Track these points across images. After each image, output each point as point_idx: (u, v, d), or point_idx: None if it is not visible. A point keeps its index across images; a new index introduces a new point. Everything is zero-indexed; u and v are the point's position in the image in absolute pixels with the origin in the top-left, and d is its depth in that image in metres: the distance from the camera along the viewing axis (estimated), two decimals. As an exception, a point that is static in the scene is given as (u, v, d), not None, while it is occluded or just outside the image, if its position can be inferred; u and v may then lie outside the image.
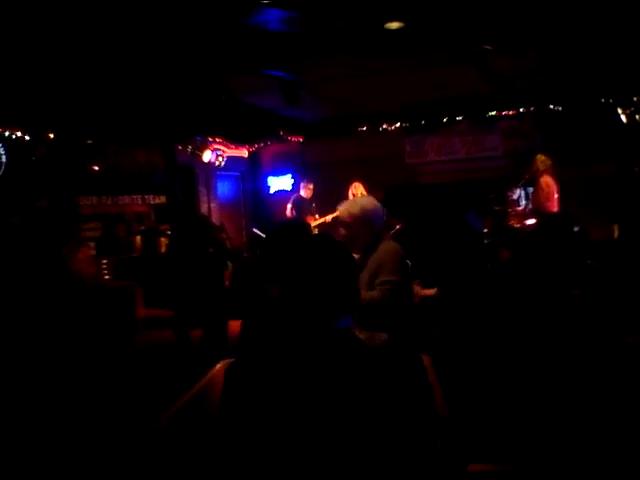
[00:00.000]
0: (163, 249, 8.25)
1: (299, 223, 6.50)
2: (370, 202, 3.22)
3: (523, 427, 2.29)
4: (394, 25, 5.30)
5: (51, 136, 7.25)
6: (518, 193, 7.61)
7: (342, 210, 3.20)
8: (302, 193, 9.38)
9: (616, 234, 7.43)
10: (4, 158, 7.03)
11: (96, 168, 8.18)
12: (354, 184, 9.06)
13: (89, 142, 7.89)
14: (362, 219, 3.10)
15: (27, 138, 7.04)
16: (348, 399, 1.45)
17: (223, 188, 10.82)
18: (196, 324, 5.46)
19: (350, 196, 8.93)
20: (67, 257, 3.92)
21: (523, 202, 7.58)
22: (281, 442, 1.45)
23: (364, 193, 8.89)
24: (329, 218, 9.33)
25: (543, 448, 2.20)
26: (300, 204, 9.22)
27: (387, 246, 3.08)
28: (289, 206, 9.26)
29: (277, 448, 1.45)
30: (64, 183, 7.68)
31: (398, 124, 9.78)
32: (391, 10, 5.02)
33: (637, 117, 7.73)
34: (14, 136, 6.93)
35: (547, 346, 2.56)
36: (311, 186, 9.37)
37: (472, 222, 3.79)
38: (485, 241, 5.28)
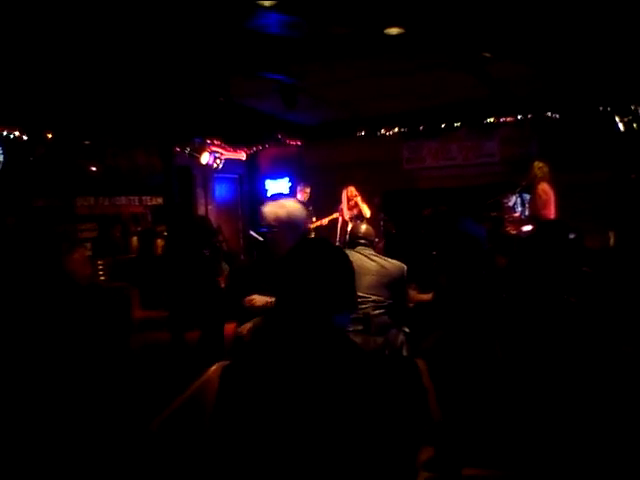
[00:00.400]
0: (159, 250, 8.25)
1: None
2: (297, 207, 3.15)
3: (517, 432, 2.29)
4: (394, 31, 5.32)
5: (49, 136, 7.25)
6: (514, 200, 7.62)
7: (268, 212, 3.10)
8: (299, 197, 9.40)
9: (612, 241, 7.45)
10: (2, 157, 7.02)
11: (93, 169, 8.18)
12: (348, 188, 8.89)
13: (87, 143, 7.89)
14: (288, 223, 3.03)
15: (25, 138, 7.04)
16: (343, 402, 1.46)
17: (221, 190, 10.83)
18: (192, 325, 5.46)
19: (344, 201, 8.89)
20: (62, 258, 3.92)
21: (519, 209, 7.59)
22: (275, 445, 1.45)
23: (359, 198, 8.79)
24: (325, 221, 9.36)
25: (537, 453, 2.20)
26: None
27: None
28: None
29: (271, 450, 1.45)
30: (61, 183, 7.68)
31: (396, 129, 9.80)
32: (391, 16, 5.04)
33: (634, 125, 7.75)
34: (12, 136, 6.93)
35: (542, 352, 2.57)
36: (308, 190, 9.41)
37: (470, 228, 3.79)
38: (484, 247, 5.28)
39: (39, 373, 3.08)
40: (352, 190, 8.82)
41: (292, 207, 3.11)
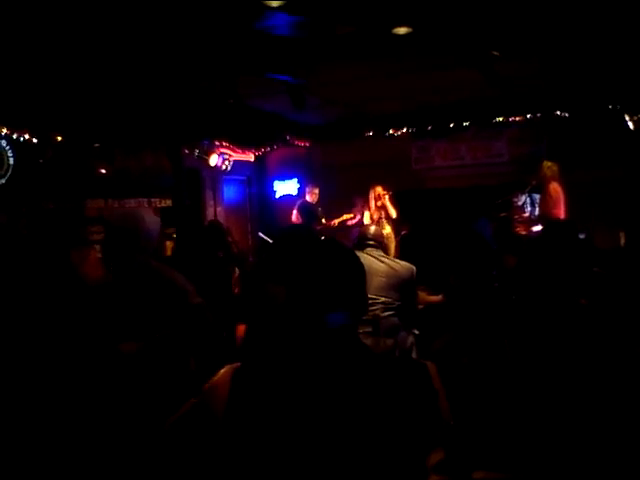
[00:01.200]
0: (168, 252, 8.27)
1: (305, 228, 6.51)
2: (152, 218, 3.10)
3: (528, 435, 2.28)
4: (402, 30, 5.31)
5: (59, 139, 7.29)
6: (523, 199, 7.57)
7: (115, 220, 3.07)
8: (308, 198, 9.40)
9: (623, 241, 7.40)
10: (12, 160, 7.06)
11: (103, 171, 8.20)
12: (375, 188, 8.51)
13: (96, 145, 7.93)
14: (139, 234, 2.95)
15: (35, 141, 7.08)
16: (353, 405, 1.46)
17: (229, 192, 10.85)
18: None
19: (371, 202, 8.58)
20: (74, 260, 3.93)
21: (528, 209, 7.55)
22: (287, 446, 1.45)
23: (387, 198, 8.47)
24: (336, 222, 9.34)
25: (548, 457, 2.19)
26: (306, 209, 9.23)
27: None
28: (295, 212, 9.27)
29: (282, 452, 1.45)
30: (71, 186, 7.71)
31: (405, 129, 9.78)
32: (399, 15, 5.04)
33: (644, 124, 7.71)
34: (22, 139, 6.97)
35: (553, 354, 2.55)
36: (317, 191, 9.40)
37: (481, 228, 3.79)
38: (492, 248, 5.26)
39: (49, 372, 3.10)
40: (379, 190, 8.51)
41: (146, 218, 3.02)
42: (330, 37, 5.49)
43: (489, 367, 2.87)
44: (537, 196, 7.40)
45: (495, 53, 6.02)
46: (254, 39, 5.43)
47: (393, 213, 8.41)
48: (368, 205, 8.65)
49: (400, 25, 5.21)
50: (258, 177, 11.45)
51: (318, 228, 9.05)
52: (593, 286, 3.15)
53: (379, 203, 8.51)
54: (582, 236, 4.62)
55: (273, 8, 4.58)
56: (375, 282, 3.73)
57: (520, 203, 7.58)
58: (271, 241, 7.52)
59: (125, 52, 5.64)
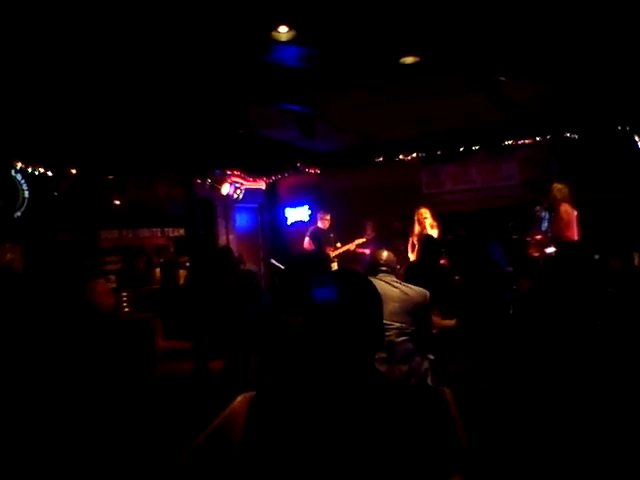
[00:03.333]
0: (182, 281, 8.32)
1: (318, 254, 6.53)
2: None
3: (545, 460, 2.26)
4: (409, 60, 5.39)
5: (73, 172, 7.41)
6: (544, 214, 7.43)
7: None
8: (319, 224, 9.43)
9: (637, 262, 7.34)
10: (27, 194, 7.18)
11: (117, 202, 8.31)
12: (420, 210, 8.20)
13: (110, 177, 8.04)
14: None
15: (49, 174, 7.20)
16: (370, 434, 1.46)
17: (241, 220, 10.93)
18: (215, 355, 5.47)
19: (416, 224, 8.25)
20: (86, 291, 3.98)
21: (546, 224, 7.41)
22: (305, 475, 1.45)
23: (428, 221, 8.15)
24: (352, 246, 9.32)
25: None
26: (318, 235, 9.26)
27: None
28: (307, 239, 9.29)
29: (300, 482, 1.45)
30: (85, 217, 7.81)
31: (414, 154, 9.82)
32: (406, 46, 5.11)
33: (655, 144, 7.70)
34: (37, 172, 7.10)
35: (570, 375, 2.53)
36: (328, 217, 9.42)
37: (496, 252, 3.79)
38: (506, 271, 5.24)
39: (61, 403, 3.11)
40: (424, 212, 8.22)
41: None
42: (338, 68, 5.57)
43: (506, 391, 2.85)
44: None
45: (502, 79, 6.07)
46: (263, 70, 5.52)
47: (432, 234, 7.88)
48: (412, 228, 8.34)
49: (407, 55, 5.29)
50: (269, 204, 11.53)
51: (333, 254, 9.05)
52: (608, 307, 3.13)
53: (422, 226, 8.18)
54: (596, 257, 4.60)
55: (282, 42, 4.66)
56: (389, 307, 3.72)
57: (541, 215, 7.43)
58: (283, 267, 7.54)
59: (137, 84, 5.75)
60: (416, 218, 8.27)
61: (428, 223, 8.18)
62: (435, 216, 8.28)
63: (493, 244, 4.13)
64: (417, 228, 8.24)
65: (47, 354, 3.37)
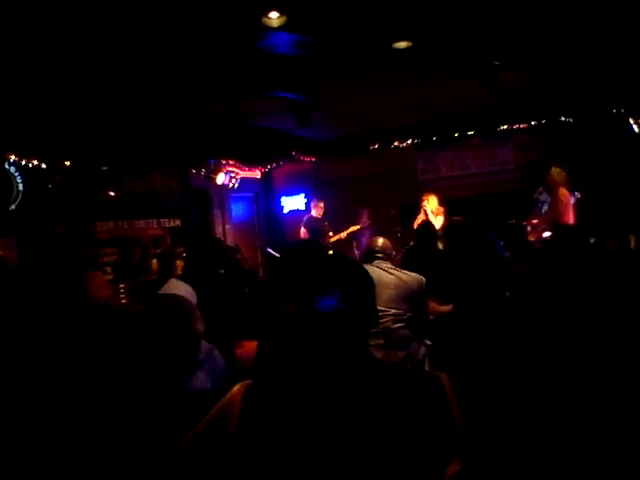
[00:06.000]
0: (179, 271, 8.30)
1: (313, 243, 6.51)
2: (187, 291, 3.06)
3: (542, 446, 2.26)
4: (402, 45, 5.36)
5: (67, 164, 7.37)
6: (544, 197, 7.38)
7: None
8: (313, 212, 9.44)
9: (633, 244, 7.35)
10: (21, 187, 7.14)
11: (112, 194, 8.28)
12: (426, 197, 8.11)
13: (104, 169, 8.00)
14: None
15: (43, 166, 7.16)
16: (366, 420, 1.45)
17: (237, 209, 10.91)
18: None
19: (422, 211, 8.15)
20: (82, 283, 3.96)
21: (546, 208, 7.35)
22: (301, 462, 1.45)
23: (432, 207, 8.08)
24: (344, 235, 9.35)
25: (564, 466, 2.17)
26: (312, 224, 9.27)
27: None
28: (302, 229, 9.30)
29: (297, 469, 1.45)
30: (81, 209, 7.79)
31: (410, 141, 9.80)
32: (398, 31, 5.07)
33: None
34: (31, 165, 7.05)
35: (567, 359, 2.53)
36: (322, 204, 9.43)
37: (489, 237, 3.78)
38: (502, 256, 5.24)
39: (59, 399, 3.10)
40: (430, 199, 8.13)
41: None
42: (331, 55, 5.53)
43: (502, 376, 2.85)
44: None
45: (496, 62, 6.05)
46: (256, 58, 5.48)
47: (435, 223, 7.65)
48: (419, 214, 8.21)
49: (400, 40, 5.26)
50: (265, 193, 11.52)
51: (328, 241, 9.07)
52: (605, 290, 3.13)
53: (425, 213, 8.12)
54: (592, 240, 4.59)
55: (273, 28, 4.63)
56: (385, 294, 3.72)
57: (542, 198, 7.35)
58: (279, 256, 7.53)
59: (130, 75, 5.71)
60: (422, 206, 8.17)
61: (429, 210, 8.11)
62: (440, 202, 8.18)
63: (486, 231, 4.12)
64: (421, 216, 8.15)
65: (45, 348, 3.36)
